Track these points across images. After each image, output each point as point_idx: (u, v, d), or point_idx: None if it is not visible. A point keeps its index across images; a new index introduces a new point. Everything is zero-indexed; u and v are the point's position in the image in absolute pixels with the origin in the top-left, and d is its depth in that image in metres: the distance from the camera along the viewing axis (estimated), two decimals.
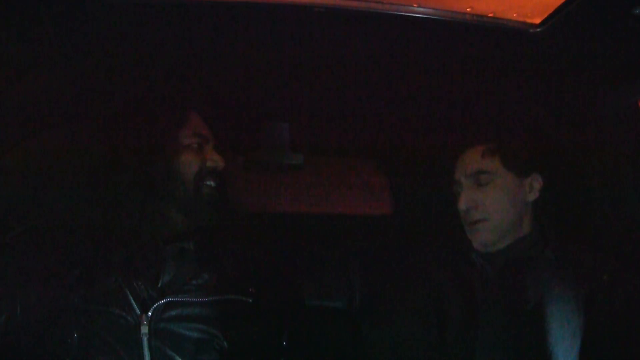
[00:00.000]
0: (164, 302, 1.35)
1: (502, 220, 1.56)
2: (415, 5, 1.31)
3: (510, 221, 1.57)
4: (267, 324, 1.47)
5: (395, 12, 1.32)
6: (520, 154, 1.60)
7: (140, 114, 1.48)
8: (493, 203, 1.57)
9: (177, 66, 1.62)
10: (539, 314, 1.38)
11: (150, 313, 1.34)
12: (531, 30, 1.36)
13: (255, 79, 1.74)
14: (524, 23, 1.35)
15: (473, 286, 1.53)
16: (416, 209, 2.11)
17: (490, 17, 1.34)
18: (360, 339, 1.58)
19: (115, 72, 1.63)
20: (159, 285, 1.38)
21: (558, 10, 1.28)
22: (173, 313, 1.35)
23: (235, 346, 1.39)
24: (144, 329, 1.32)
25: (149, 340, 1.32)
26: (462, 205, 1.58)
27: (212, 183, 1.47)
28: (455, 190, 1.64)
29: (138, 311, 1.34)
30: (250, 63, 1.62)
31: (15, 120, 1.66)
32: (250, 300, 1.44)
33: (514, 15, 1.34)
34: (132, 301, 1.34)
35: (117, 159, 1.46)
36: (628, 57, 1.45)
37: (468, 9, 1.32)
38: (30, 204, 1.69)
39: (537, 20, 1.34)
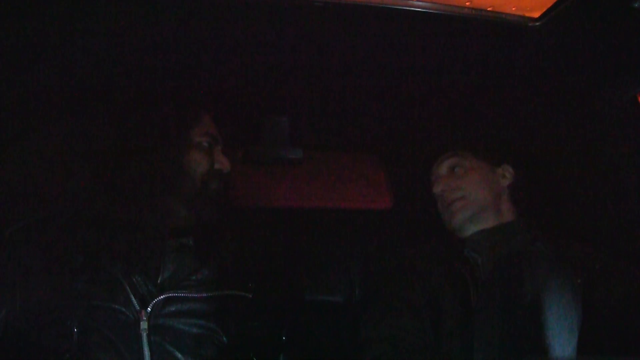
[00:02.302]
0: (163, 298, 1.35)
1: (478, 196, 1.65)
2: None
3: (487, 199, 1.66)
4: (267, 319, 1.48)
5: (394, 6, 1.32)
6: (489, 148, 1.74)
7: (154, 110, 1.50)
8: (468, 184, 1.67)
9: (179, 62, 1.62)
10: (534, 308, 1.39)
11: (149, 309, 1.34)
12: (530, 24, 1.35)
13: (255, 73, 1.73)
14: (523, 17, 1.35)
15: (467, 282, 1.53)
16: (415, 204, 2.11)
17: (489, 10, 1.34)
18: (360, 334, 1.58)
19: (129, 71, 1.64)
20: (159, 281, 1.38)
21: (557, 4, 1.27)
22: (172, 308, 1.36)
23: (235, 341, 1.39)
24: (144, 325, 1.32)
25: (148, 335, 1.32)
26: (438, 188, 1.69)
27: (217, 184, 1.50)
28: (432, 180, 1.75)
29: (137, 307, 1.34)
30: (250, 57, 1.62)
31: (23, 111, 1.66)
32: (250, 296, 1.44)
33: (513, 9, 1.34)
34: (132, 296, 1.34)
35: (128, 151, 1.46)
36: (627, 51, 1.44)
37: (467, 3, 1.32)
38: (32, 198, 1.70)
39: (536, 14, 1.34)
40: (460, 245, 1.64)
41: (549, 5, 1.29)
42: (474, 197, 1.65)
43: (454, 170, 1.71)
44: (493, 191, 1.67)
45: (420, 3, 1.31)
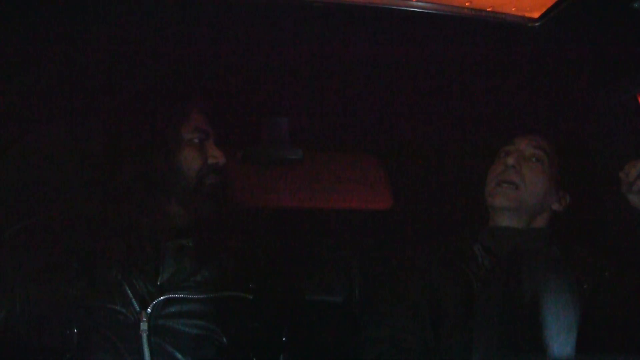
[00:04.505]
0: (163, 299, 1.35)
1: (528, 198, 1.61)
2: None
3: (532, 207, 1.62)
4: (267, 320, 1.48)
5: (394, 7, 1.32)
6: (571, 168, 1.68)
7: (142, 109, 1.48)
8: (532, 181, 1.61)
9: (178, 62, 1.62)
10: (535, 308, 1.39)
11: (149, 310, 1.34)
12: (530, 25, 1.35)
13: (255, 74, 1.73)
14: (523, 17, 1.35)
15: (470, 280, 1.53)
16: (416, 203, 2.11)
17: (488, 11, 1.34)
18: (360, 334, 1.58)
19: (118, 67, 1.63)
20: (159, 282, 1.37)
21: (557, 4, 1.27)
22: (173, 310, 1.35)
23: (235, 342, 1.39)
24: (144, 326, 1.32)
25: (148, 336, 1.32)
26: (510, 160, 1.62)
27: (213, 179, 1.47)
28: (508, 149, 1.68)
29: (137, 308, 1.34)
30: (250, 58, 1.62)
31: (16, 115, 1.66)
32: (250, 297, 1.44)
33: (513, 10, 1.34)
34: (132, 298, 1.34)
35: (119, 154, 1.45)
36: (627, 51, 1.45)
37: (467, 3, 1.32)
38: (30, 199, 1.69)
39: (536, 15, 1.34)
40: (472, 239, 1.63)
41: (549, 5, 1.29)
42: (524, 195, 1.61)
43: (533, 159, 1.64)
44: (542, 206, 1.63)
45: (420, 4, 1.31)
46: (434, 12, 1.32)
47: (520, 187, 1.60)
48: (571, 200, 1.67)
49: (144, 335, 1.32)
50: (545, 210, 1.65)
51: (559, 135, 1.77)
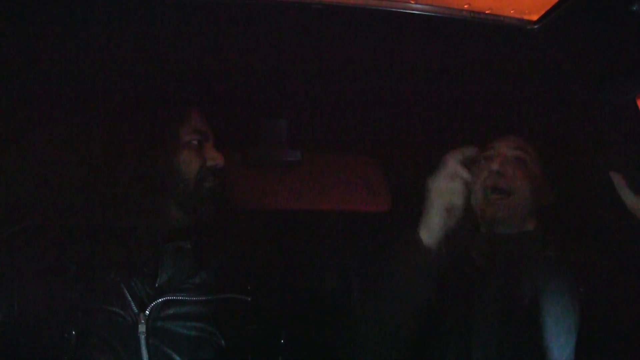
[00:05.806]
0: (161, 301, 1.36)
1: (519, 202, 1.59)
2: (412, 2, 1.31)
3: (524, 209, 1.60)
4: (265, 322, 1.48)
5: (393, 9, 1.32)
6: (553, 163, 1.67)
7: (141, 111, 1.48)
8: (521, 184, 1.59)
9: (177, 63, 1.62)
10: (534, 311, 1.39)
11: (147, 311, 1.34)
12: (528, 27, 1.35)
13: (254, 76, 1.73)
14: (522, 20, 1.35)
15: (470, 283, 1.53)
16: (414, 206, 2.11)
17: (487, 13, 1.33)
18: (358, 337, 1.58)
19: (117, 69, 1.63)
20: (157, 284, 1.38)
21: (555, 7, 1.27)
22: (171, 312, 1.36)
23: (233, 344, 1.39)
24: (142, 328, 1.33)
25: (146, 338, 1.32)
26: (495, 165, 1.59)
27: (212, 181, 1.48)
28: (489, 155, 1.65)
29: (136, 309, 1.34)
30: (249, 59, 1.62)
31: (16, 115, 1.66)
32: (248, 299, 1.44)
33: (511, 12, 1.33)
34: (130, 299, 1.35)
35: (118, 155, 1.45)
36: (626, 54, 1.45)
37: (465, 6, 1.32)
38: (28, 201, 1.69)
39: (535, 17, 1.34)
40: (470, 242, 1.63)
41: (548, 8, 1.29)
42: (516, 200, 1.58)
43: (518, 161, 1.62)
44: (532, 204, 1.62)
45: (418, 6, 1.31)
46: (432, 14, 1.32)
47: (511, 195, 1.58)
48: (562, 197, 1.67)
49: (142, 337, 1.33)
50: (534, 208, 1.64)
51: (556, 137, 1.77)
